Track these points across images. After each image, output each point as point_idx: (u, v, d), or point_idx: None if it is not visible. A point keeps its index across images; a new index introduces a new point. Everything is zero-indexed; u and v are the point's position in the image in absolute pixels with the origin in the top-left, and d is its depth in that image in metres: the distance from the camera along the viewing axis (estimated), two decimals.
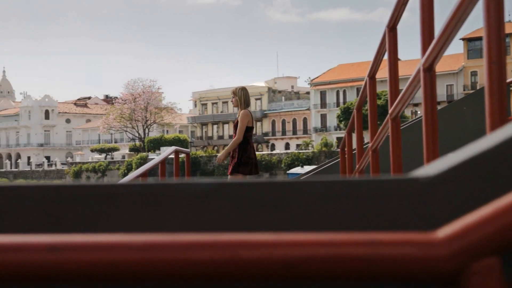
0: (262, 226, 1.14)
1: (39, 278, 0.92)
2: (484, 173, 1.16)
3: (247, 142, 8.84)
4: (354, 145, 8.57)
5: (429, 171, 1.14)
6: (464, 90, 72.47)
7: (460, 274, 0.94)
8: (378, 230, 1.12)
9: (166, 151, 8.78)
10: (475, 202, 1.15)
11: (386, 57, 4.69)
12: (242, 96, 8.93)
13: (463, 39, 70.99)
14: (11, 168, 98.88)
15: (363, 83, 5.46)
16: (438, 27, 3.03)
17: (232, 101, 9.23)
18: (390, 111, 3.98)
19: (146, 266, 0.94)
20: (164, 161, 7.97)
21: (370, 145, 5.16)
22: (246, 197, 1.14)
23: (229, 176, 8.91)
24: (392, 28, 3.96)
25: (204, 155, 70.31)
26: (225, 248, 0.94)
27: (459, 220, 0.96)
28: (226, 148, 9.08)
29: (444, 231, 0.96)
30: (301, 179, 1.12)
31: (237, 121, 8.92)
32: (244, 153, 8.77)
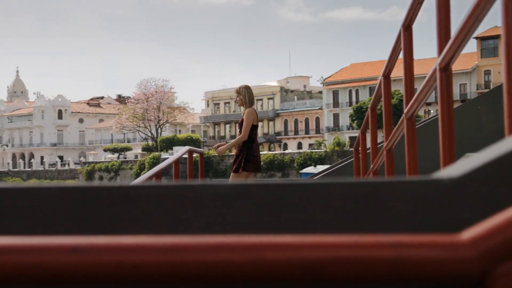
0: (284, 228, 1.13)
1: (62, 280, 0.92)
2: (509, 174, 1.15)
3: (252, 140, 8.89)
4: (368, 145, 8.55)
5: (453, 172, 1.14)
6: (477, 89, 72.21)
7: (485, 276, 0.93)
8: (402, 232, 1.12)
9: (180, 151, 8.79)
10: (500, 203, 1.14)
11: (399, 56, 4.68)
12: (246, 95, 8.97)
13: (476, 37, 70.79)
14: (24, 167, 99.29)
15: (375, 82, 5.46)
16: (454, 26, 3.01)
17: (236, 101, 9.27)
18: (405, 110, 3.97)
19: (169, 268, 0.93)
20: (178, 161, 7.98)
21: (384, 145, 5.14)
22: (269, 199, 1.14)
23: (231, 174, 8.94)
24: (407, 27, 3.95)
25: (217, 154, 70.36)
26: (248, 250, 0.94)
27: (484, 222, 0.96)
28: (229, 143, 9.13)
29: (469, 233, 0.95)
30: (324, 180, 1.11)
31: (242, 120, 8.96)
32: (250, 151, 8.82)
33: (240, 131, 9.00)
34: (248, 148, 8.83)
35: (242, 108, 9.15)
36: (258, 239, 0.95)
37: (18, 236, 0.96)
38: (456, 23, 2.93)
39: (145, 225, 1.13)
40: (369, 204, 1.12)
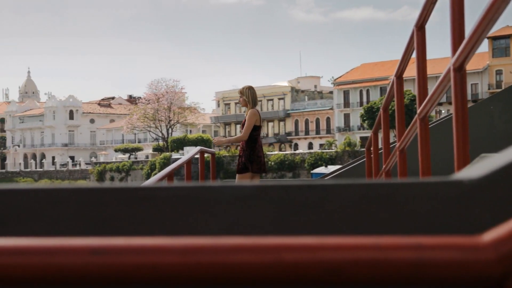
0: (303, 229, 1.13)
1: (82, 282, 0.92)
2: None
3: (255, 141, 8.92)
4: (380, 145, 8.53)
5: (473, 173, 1.13)
6: (489, 89, 71.96)
7: (507, 279, 0.92)
8: (421, 233, 1.11)
9: (192, 151, 8.80)
10: None
11: (411, 56, 4.66)
12: (249, 96, 9.01)
13: (488, 37, 70.51)
14: (36, 168, 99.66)
15: (386, 82, 5.47)
16: (467, 26, 3.00)
17: (239, 101, 9.30)
18: (418, 111, 3.96)
19: (188, 270, 0.93)
20: (190, 161, 7.99)
21: (397, 145, 5.13)
22: (287, 200, 1.13)
23: (237, 175, 8.96)
24: (420, 27, 3.94)
25: (227, 155, 70.35)
26: (268, 252, 0.93)
27: (506, 224, 0.95)
28: (229, 138, 9.15)
29: (490, 235, 0.94)
30: (343, 181, 1.10)
31: (245, 120, 9.00)
32: (253, 151, 8.84)
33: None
34: (251, 149, 8.86)
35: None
36: (277, 240, 0.94)
37: (38, 238, 0.96)
38: (469, 23, 2.92)
39: (164, 227, 1.13)
40: (389, 205, 1.12)
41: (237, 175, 9.00)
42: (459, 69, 2.95)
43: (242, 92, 9.11)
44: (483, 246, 0.93)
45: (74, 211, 1.12)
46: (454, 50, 2.95)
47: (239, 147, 9.16)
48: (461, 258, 0.92)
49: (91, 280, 0.92)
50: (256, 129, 8.95)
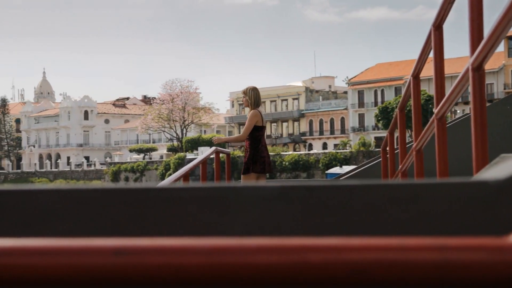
0: (327, 229, 1.12)
1: (105, 282, 0.92)
2: None
3: (258, 141, 8.97)
4: (395, 145, 8.50)
5: (498, 174, 1.12)
6: (504, 88, 71.61)
7: None
8: (446, 234, 1.10)
9: (207, 152, 8.81)
10: None
11: (429, 56, 4.64)
12: (252, 96, 9.06)
13: None
14: (51, 168, 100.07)
15: (401, 82, 5.45)
16: (486, 26, 2.98)
17: (242, 101, 9.36)
18: (436, 111, 3.94)
19: (212, 271, 0.93)
20: (205, 162, 8.00)
21: (414, 145, 5.11)
22: (311, 200, 1.13)
23: (242, 176, 9.00)
24: (438, 27, 3.92)
25: (242, 155, 70.39)
26: (292, 252, 0.93)
27: None
28: (228, 137, 9.21)
29: None
30: (367, 182, 1.10)
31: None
32: (256, 152, 8.89)
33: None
34: (254, 149, 8.91)
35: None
36: (302, 241, 0.94)
37: (61, 238, 0.96)
38: (487, 23, 2.90)
39: (188, 227, 1.13)
40: (413, 206, 1.11)
41: (241, 176, 9.05)
42: (478, 69, 2.93)
43: (245, 92, 9.19)
44: (509, 248, 0.92)
45: (98, 211, 1.12)
46: (473, 50, 2.94)
47: (244, 150, 9.23)
48: (486, 260, 0.92)
49: (114, 280, 0.92)
50: (259, 129, 9.00)
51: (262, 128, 9.05)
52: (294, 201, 1.13)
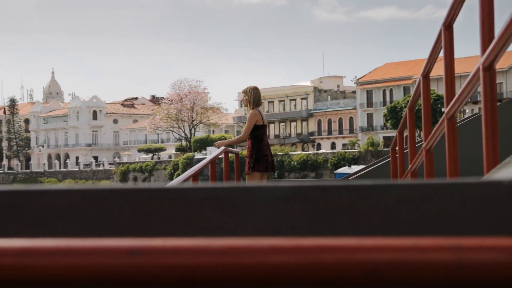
0: (340, 230, 1.12)
1: (121, 282, 0.92)
2: None
3: (260, 140, 9.00)
4: (404, 145, 8.48)
5: (511, 174, 1.12)
6: None
7: None
8: (461, 234, 1.10)
9: (216, 151, 8.81)
10: None
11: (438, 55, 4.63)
12: (252, 96, 9.08)
13: None
14: (60, 168, 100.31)
15: (410, 82, 5.44)
16: (496, 26, 2.97)
17: (242, 100, 9.38)
18: (446, 110, 3.93)
19: (225, 271, 0.93)
20: (214, 161, 8.00)
21: (424, 145, 5.10)
22: (324, 201, 1.13)
23: (246, 177, 9.01)
24: (448, 26, 3.91)
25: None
26: (305, 253, 0.93)
27: None
28: (229, 140, 9.23)
29: None
30: (380, 182, 1.09)
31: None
32: (258, 151, 8.91)
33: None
34: (256, 149, 8.94)
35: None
36: (315, 241, 0.94)
37: (76, 238, 0.96)
38: (498, 23, 2.89)
39: (201, 227, 1.13)
40: (427, 206, 1.11)
41: (246, 176, 9.06)
42: (489, 69, 2.92)
43: (245, 91, 9.22)
44: None
45: (112, 211, 1.13)
46: (484, 49, 2.93)
47: (246, 150, 9.27)
48: (502, 260, 0.91)
49: (129, 280, 0.92)
50: (261, 128, 9.04)
51: (263, 126, 9.08)
52: (307, 201, 1.13)
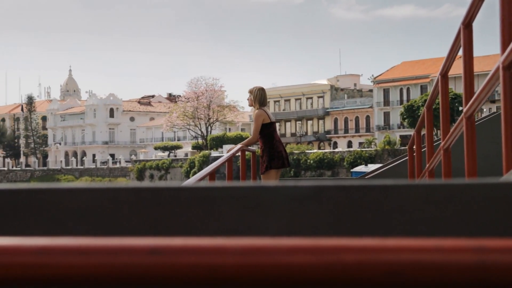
0: (361, 230, 1.11)
1: (141, 281, 0.92)
2: None
3: (272, 137, 9.07)
4: (422, 143, 8.44)
5: None
6: None
7: None
8: (484, 235, 1.09)
9: (233, 150, 8.81)
10: None
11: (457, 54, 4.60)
12: (257, 96, 9.15)
13: None
14: (76, 165, 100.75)
15: (427, 80, 5.41)
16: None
17: (248, 100, 9.43)
18: (464, 110, 3.91)
19: (246, 271, 0.93)
20: (231, 159, 8.01)
21: (442, 144, 5.07)
22: (345, 200, 1.12)
23: (262, 176, 9.04)
24: (467, 25, 3.88)
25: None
26: (327, 253, 0.92)
27: None
28: (239, 144, 9.29)
29: None
30: (402, 182, 1.09)
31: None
32: (272, 148, 8.98)
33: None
34: (270, 146, 9.01)
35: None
36: (337, 241, 0.93)
37: (96, 237, 0.96)
38: None
39: (221, 227, 1.12)
40: (449, 206, 1.10)
41: (262, 176, 9.10)
42: (509, 68, 2.90)
43: (251, 91, 9.30)
44: None
45: (132, 210, 1.12)
46: (504, 48, 2.90)
47: (259, 149, 9.33)
48: None
49: (149, 280, 0.92)
50: (269, 126, 9.11)
51: (272, 124, 9.15)
52: (328, 201, 1.13)
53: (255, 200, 1.12)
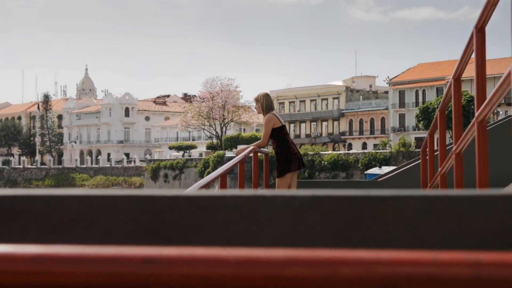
0: (358, 242, 1.10)
1: None
2: None
3: (285, 141, 9.14)
4: (435, 147, 8.41)
5: None
6: None
7: None
8: (481, 249, 1.08)
9: (245, 151, 8.81)
10: None
11: (470, 58, 4.57)
12: (264, 103, 9.24)
13: None
14: (91, 164, 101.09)
15: (443, 82, 5.38)
16: None
17: (255, 108, 9.53)
18: (476, 114, 3.88)
19: (240, 282, 0.92)
20: (244, 161, 8.00)
21: (454, 148, 5.05)
22: (342, 211, 1.11)
23: (277, 180, 9.06)
24: (480, 29, 3.86)
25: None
26: (322, 265, 0.91)
27: None
28: (249, 146, 9.29)
29: None
30: (400, 192, 1.07)
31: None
32: (287, 151, 9.04)
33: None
34: (285, 150, 9.07)
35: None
36: (332, 253, 0.92)
37: (90, 246, 0.95)
38: None
39: (217, 236, 1.12)
40: (448, 218, 1.08)
41: (277, 179, 9.12)
42: None
43: (257, 99, 9.40)
44: None
45: (126, 219, 1.12)
46: None
47: (273, 152, 9.38)
48: None
49: None
50: (281, 129, 9.19)
51: (283, 127, 9.22)
52: (325, 211, 1.11)
53: (250, 209, 1.11)
